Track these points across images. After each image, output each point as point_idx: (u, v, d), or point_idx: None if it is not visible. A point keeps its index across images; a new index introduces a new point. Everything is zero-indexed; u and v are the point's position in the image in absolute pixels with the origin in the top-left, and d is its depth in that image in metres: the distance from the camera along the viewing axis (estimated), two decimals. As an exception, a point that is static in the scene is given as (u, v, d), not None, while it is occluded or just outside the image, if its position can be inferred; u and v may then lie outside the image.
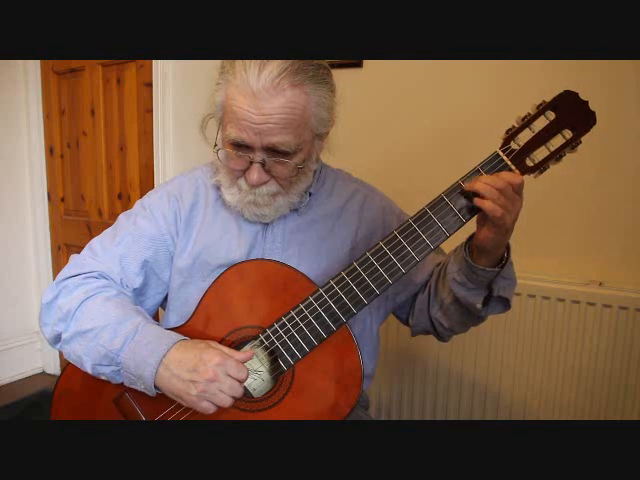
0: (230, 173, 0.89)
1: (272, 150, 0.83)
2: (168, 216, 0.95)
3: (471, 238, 0.86)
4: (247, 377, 0.78)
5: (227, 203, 0.92)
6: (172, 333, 0.83)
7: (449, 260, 0.92)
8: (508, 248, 0.85)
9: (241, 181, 0.88)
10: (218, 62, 0.86)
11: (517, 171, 0.79)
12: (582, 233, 1.43)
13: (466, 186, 0.79)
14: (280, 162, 0.84)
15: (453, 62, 1.49)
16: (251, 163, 0.84)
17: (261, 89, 0.78)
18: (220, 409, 0.77)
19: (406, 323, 1.05)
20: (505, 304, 0.92)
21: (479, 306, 0.89)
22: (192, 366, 0.77)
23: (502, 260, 0.85)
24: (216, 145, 0.88)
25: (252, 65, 0.78)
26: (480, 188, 0.77)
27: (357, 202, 0.99)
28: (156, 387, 0.80)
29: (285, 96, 0.79)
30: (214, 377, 0.76)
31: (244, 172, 0.87)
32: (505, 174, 0.78)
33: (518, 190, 0.78)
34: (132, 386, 0.82)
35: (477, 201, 0.78)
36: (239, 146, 0.83)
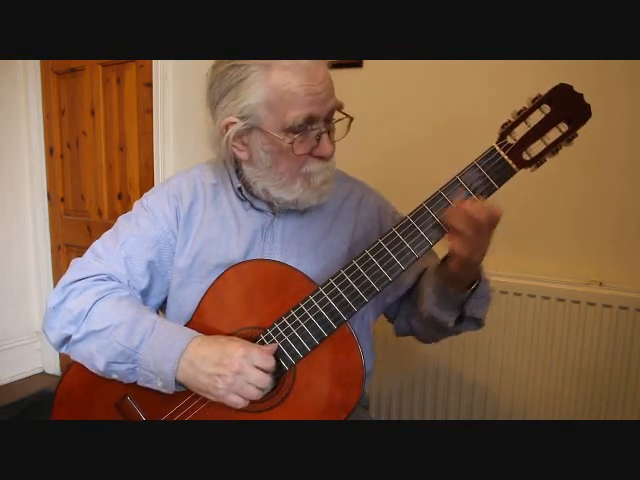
0: (290, 168, 0.87)
1: (330, 117, 0.86)
2: (169, 215, 0.94)
3: (445, 259, 0.86)
4: (274, 367, 0.78)
5: (285, 203, 0.90)
6: (189, 329, 0.84)
7: (425, 279, 0.93)
8: (480, 269, 0.86)
9: (309, 166, 0.86)
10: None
11: (514, 165, 0.79)
12: (582, 233, 1.43)
13: (440, 219, 0.78)
14: (333, 128, 0.87)
15: (453, 62, 1.49)
16: (318, 140, 0.84)
17: (309, 62, 0.82)
18: (250, 403, 0.78)
19: (392, 322, 1.06)
20: (478, 323, 0.93)
21: (451, 324, 0.91)
22: (217, 360, 0.77)
23: (475, 281, 0.86)
24: (292, 143, 0.83)
25: None
26: (453, 223, 0.77)
27: (354, 201, 0.99)
28: (178, 383, 0.80)
29: (323, 66, 0.84)
30: (240, 369, 0.76)
31: (309, 154, 0.85)
32: (484, 206, 0.76)
33: (495, 224, 0.77)
34: (147, 384, 0.82)
35: (449, 237, 0.78)
36: (303, 127, 0.83)
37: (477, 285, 0.85)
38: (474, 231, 0.75)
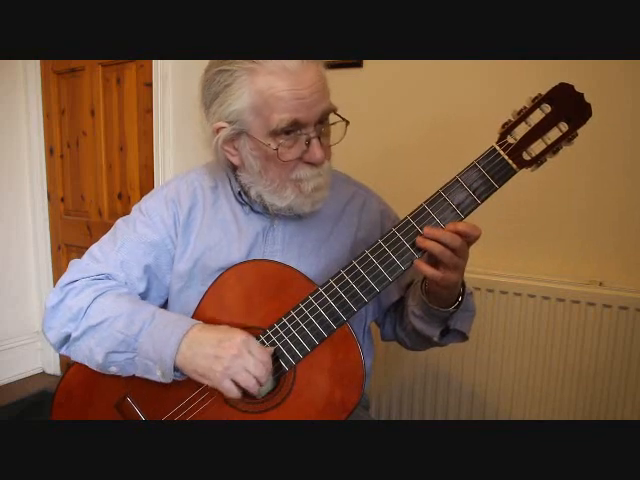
0: (280, 174, 0.85)
1: (321, 121, 0.84)
2: (167, 220, 0.94)
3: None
4: (269, 361, 0.78)
5: (279, 209, 0.89)
6: (189, 318, 0.84)
7: (409, 293, 0.94)
8: (463, 284, 0.86)
9: (299, 172, 0.85)
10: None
11: (514, 165, 0.78)
12: (582, 233, 1.43)
13: (417, 240, 0.78)
14: (327, 132, 0.86)
15: (453, 62, 1.49)
16: (307, 145, 0.82)
17: (297, 65, 0.80)
18: (244, 393, 0.77)
19: (379, 327, 1.07)
20: (463, 336, 0.93)
21: (436, 339, 0.91)
22: (216, 342, 0.78)
23: (460, 296, 0.86)
24: (277, 149, 0.82)
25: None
26: (431, 247, 0.76)
27: (356, 205, 0.99)
28: (176, 370, 0.80)
29: (313, 67, 0.82)
30: (238, 353, 0.77)
31: (299, 160, 0.84)
32: (465, 227, 0.76)
33: (472, 242, 0.78)
34: (147, 375, 0.82)
35: (416, 263, 0.78)
36: (290, 132, 0.82)
37: (460, 302, 0.86)
38: (450, 257, 0.76)
